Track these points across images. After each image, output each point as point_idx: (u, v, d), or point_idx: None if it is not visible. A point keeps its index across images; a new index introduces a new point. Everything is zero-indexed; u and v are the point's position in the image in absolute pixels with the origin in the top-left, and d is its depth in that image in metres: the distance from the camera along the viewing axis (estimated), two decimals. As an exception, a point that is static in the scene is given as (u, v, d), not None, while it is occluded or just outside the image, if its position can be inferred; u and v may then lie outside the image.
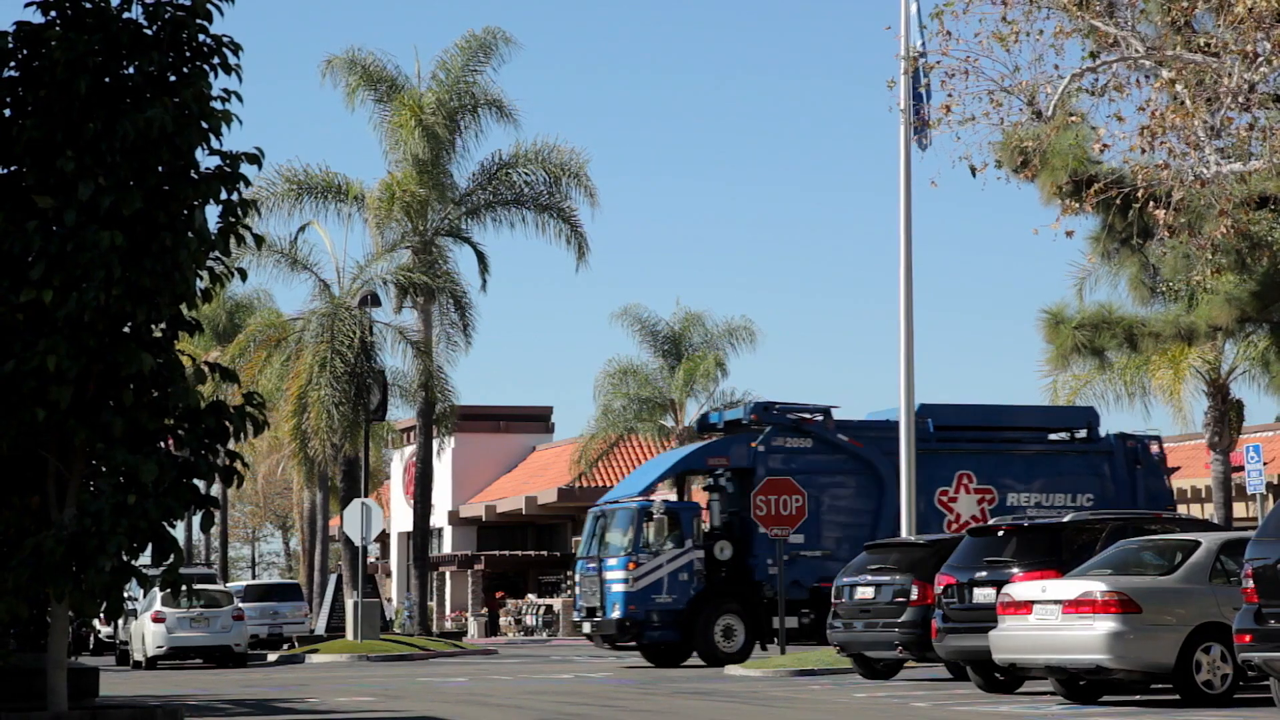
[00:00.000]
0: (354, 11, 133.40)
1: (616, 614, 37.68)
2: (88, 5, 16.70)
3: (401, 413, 63.79)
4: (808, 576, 38.30)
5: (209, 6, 16.79)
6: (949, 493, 39.34)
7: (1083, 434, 39.48)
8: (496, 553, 77.95)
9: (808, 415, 39.71)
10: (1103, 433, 39.40)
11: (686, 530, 38.34)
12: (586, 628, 38.83)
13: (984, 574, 25.63)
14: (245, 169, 16.93)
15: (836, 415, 39.72)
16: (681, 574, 38.00)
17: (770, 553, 36.88)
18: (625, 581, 37.58)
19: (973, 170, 22.19)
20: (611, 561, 38.12)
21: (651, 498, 39.67)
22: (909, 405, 36.93)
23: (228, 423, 16.89)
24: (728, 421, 41.03)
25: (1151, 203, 21.98)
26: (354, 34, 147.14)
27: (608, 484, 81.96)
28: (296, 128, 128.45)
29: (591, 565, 38.70)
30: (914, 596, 28.39)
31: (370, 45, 54.23)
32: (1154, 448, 39.20)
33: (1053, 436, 39.86)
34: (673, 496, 41.83)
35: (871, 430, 39.41)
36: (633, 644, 38.36)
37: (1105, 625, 21.90)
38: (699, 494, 45.03)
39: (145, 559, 16.99)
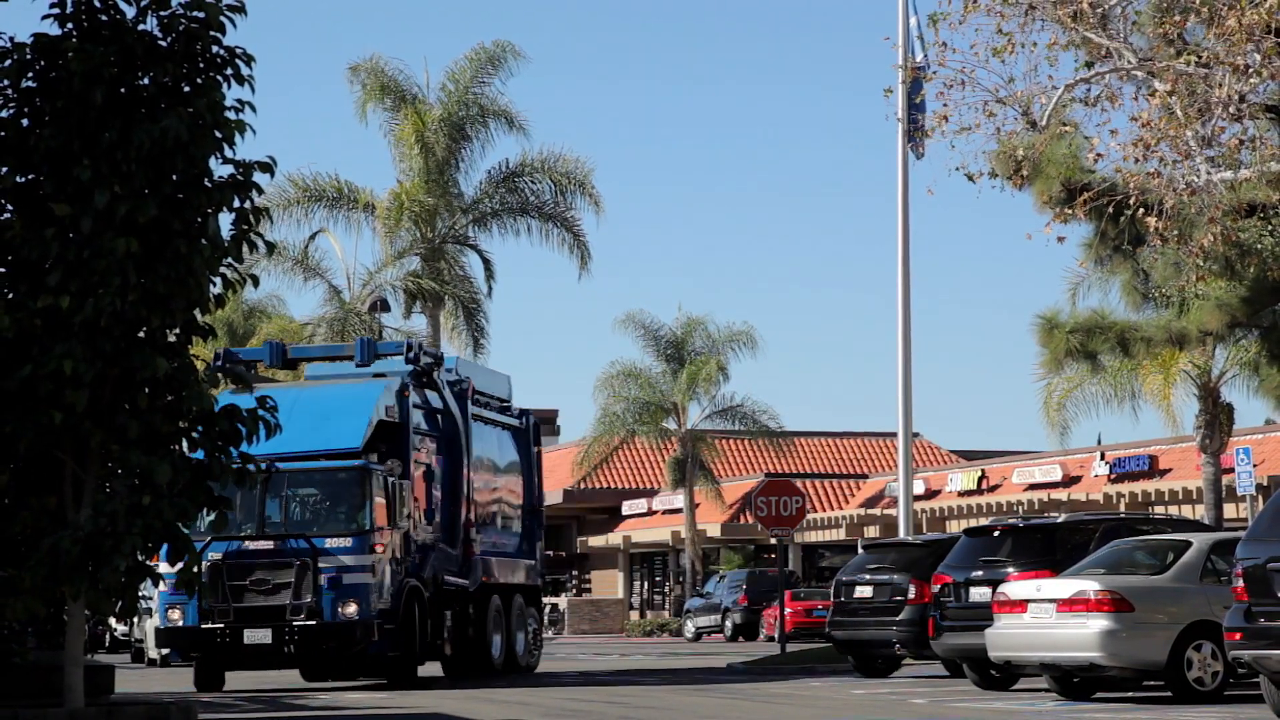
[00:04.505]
0: (365, 23, 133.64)
1: None
2: (104, 18, 16.87)
3: (411, 416, 63.83)
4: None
5: (222, 19, 16.97)
6: None
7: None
8: (501, 552, 78.16)
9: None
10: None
11: None
12: None
13: (980, 573, 25.92)
14: (258, 177, 17.16)
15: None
16: None
17: None
18: None
19: (970, 178, 22.57)
20: None
21: None
22: (908, 406, 37.29)
23: (241, 425, 17.17)
24: None
25: (1143, 210, 22.34)
26: (365, 45, 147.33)
27: (610, 485, 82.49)
28: (307, 135, 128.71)
29: None
30: (911, 595, 28.73)
31: (381, 55, 54.44)
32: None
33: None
34: None
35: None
36: None
37: (1099, 623, 22.18)
38: None
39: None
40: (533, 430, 35.41)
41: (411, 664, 29.56)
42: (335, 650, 28.43)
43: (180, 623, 28.48)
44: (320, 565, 27.93)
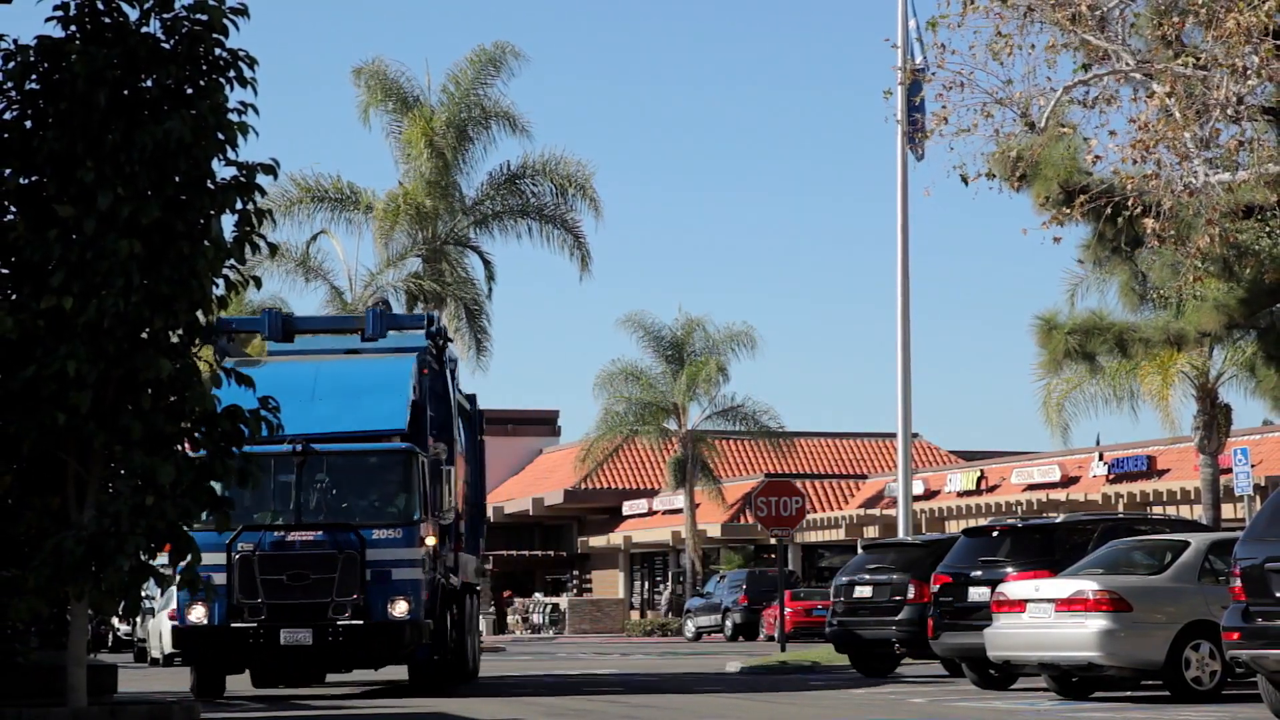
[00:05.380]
0: (367, 25, 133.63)
1: None
2: (107, 20, 16.97)
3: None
4: None
5: (225, 21, 17.07)
6: None
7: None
8: (504, 552, 78.22)
9: None
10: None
11: None
12: None
13: (979, 573, 25.98)
14: (260, 179, 17.26)
15: None
16: None
17: None
18: None
19: (964, 180, 22.66)
20: None
21: None
22: (907, 406, 37.37)
23: (243, 426, 17.26)
24: None
25: (1141, 211, 22.43)
26: (367, 47, 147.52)
27: (611, 485, 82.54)
28: (309, 137, 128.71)
29: None
30: (911, 595, 28.80)
31: (383, 58, 54.56)
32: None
33: None
34: None
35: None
36: None
37: (1097, 623, 22.25)
38: None
39: (163, 559, 17.33)
40: (479, 419, 33.24)
41: (438, 668, 27.39)
42: (383, 653, 25.97)
43: (204, 621, 25.56)
44: (367, 558, 25.22)
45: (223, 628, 25.44)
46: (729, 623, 63.09)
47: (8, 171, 16.97)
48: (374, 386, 26.70)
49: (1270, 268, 27.24)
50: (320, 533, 25.39)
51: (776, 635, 41.49)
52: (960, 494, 65.95)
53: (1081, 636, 22.29)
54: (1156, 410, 41.86)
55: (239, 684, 29.34)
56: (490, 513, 76.98)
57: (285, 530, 25.41)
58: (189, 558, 17.04)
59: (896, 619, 29.01)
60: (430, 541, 25.88)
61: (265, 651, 25.47)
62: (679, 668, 36.73)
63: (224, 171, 17.19)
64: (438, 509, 26.22)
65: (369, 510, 25.79)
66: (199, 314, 17.23)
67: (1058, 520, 27.11)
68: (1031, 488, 61.80)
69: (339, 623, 25.24)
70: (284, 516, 25.53)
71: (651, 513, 79.46)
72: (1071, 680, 23.41)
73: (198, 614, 25.58)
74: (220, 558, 24.63)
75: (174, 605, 43.14)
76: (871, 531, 67.19)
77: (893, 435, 51.65)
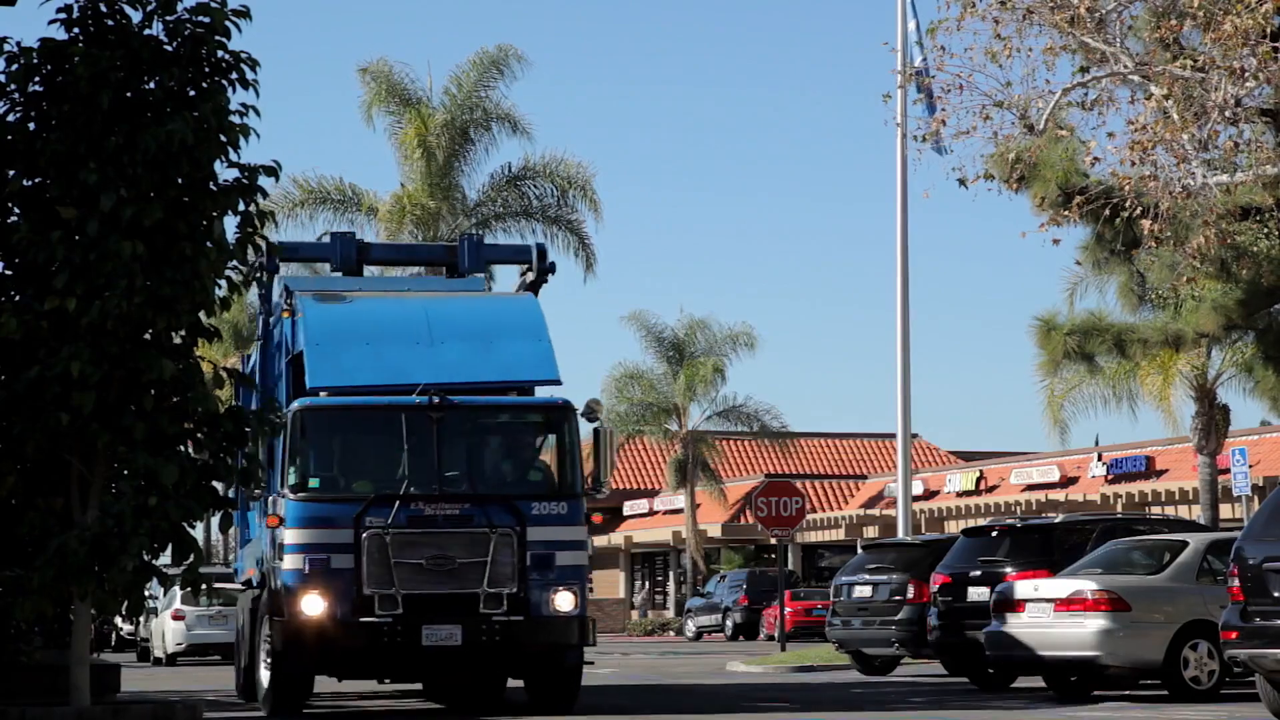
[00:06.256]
0: (368, 27, 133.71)
1: None
2: (110, 23, 17.06)
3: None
4: None
5: (227, 24, 17.16)
6: None
7: None
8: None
9: None
10: None
11: None
12: None
13: (978, 573, 26.04)
14: (262, 181, 17.36)
15: None
16: None
17: None
18: None
19: (962, 182, 22.78)
20: None
21: None
22: (906, 407, 37.41)
23: (245, 427, 17.33)
24: None
25: (1139, 213, 22.54)
26: (368, 49, 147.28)
27: (614, 485, 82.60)
28: (312, 138, 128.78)
29: None
30: (910, 595, 28.87)
31: (387, 59, 54.65)
32: None
33: None
34: None
35: None
36: None
37: (1096, 623, 22.30)
38: None
39: (166, 559, 17.41)
40: None
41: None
42: (544, 656, 21.01)
43: (324, 615, 20.10)
44: (528, 538, 20.49)
45: (349, 623, 20.14)
46: (729, 622, 63.16)
47: (11, 173, 17.06)
48: (505, 329, 22.08)
49: (1268, 269, 27.35)
50: (468, 505, 20.52)
51: (776, 635, 41.55)
52: (959, 494, 66.02)
53: (1080, 636, 22.35)
54: (1158, 410, 41.93)
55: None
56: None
57: (425, 503, 20.46)
58: (192, 558, 17.14)
59: (896, 619, 29.08)
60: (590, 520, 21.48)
61: (402, 654, 20.43)
62: (687, 669, 36.70)
63: (226, 173, 17.32)
64: (597, 479, 21.31)
65: (521, 480, 21.32)
66: (202, 315, 17.31)
67: (1057, 520, 27.17)
68: (1030, 488, 61.87)
69: (494, 618, 20.31)
70: (419, 485, 20.51)
71: (652, 513, 79.54)
72: (1070, 680, 23.47)
73: (313, 605, 20.09)
74: (345, 535, 20.11)
75: (176, 605, 43.64)
76: (871, 532, 67.25)
77: (893, 435, 51.69)
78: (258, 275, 22.66)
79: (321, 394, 20.87)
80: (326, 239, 25.23)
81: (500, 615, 20.26)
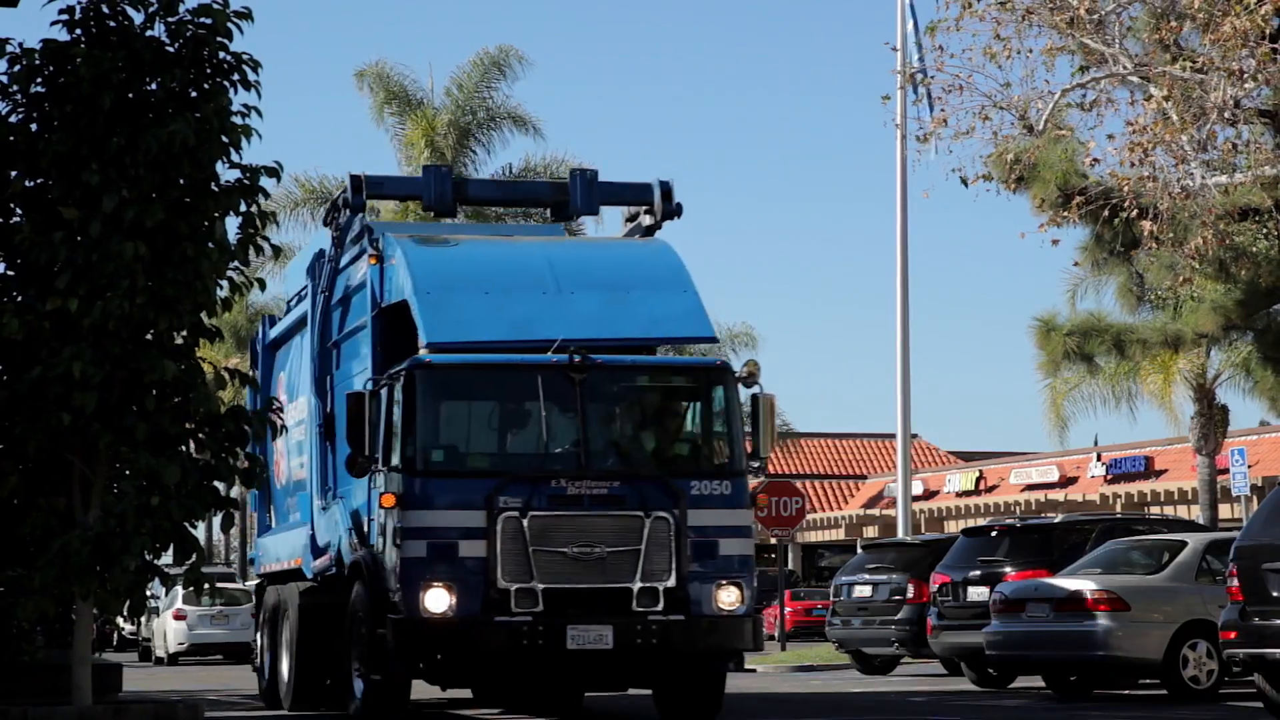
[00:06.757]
0: (370, 28, 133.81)
1: None
2: (112, 24, 17.03)
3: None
4: None
5: (229, 25, 17.13)
6: None
7: None
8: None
9: None
10: None
11: None
12: None
13: (978, 573, 26.11)
14: (264, 181, 17.35)
15: None
16: None
17: None
18: None
19: (964, 181, 22.83)
20: None
21: None
22: (906, 407, 37.49)
23: (247, 427, 17.31)
24: None
25: (1138, 214, 22.60)
26: (370, 49, 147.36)
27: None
28: (313, 139, 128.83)
29: None
30: (910, 595, 28.94)
31: (386, 60, 54.65)
32: None
33: None
34: None
35: None
36: None
37: (1095, 623, 22.36)
38: None
39: (167, 558, 17.41)
40: None
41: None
42: (707, 661, 18.03)
43: (452, 612, 17.21)
44: (689, 523, 17.49)
45: (482, 622, 17.24)
46: (729, 622, 63.14)
47: (14, 174, 17.06)
48: (643, 279, 19.01)
49: (1266, 269, 27.41)
50: (617, 483, 17.54)
51: (777, 635, 41.62)
52: (959, 494, 66.07)
53: (1080, 636, 22.40)
54: (1160, 410, 41.99)
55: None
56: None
57: (568, 480, 17.55)
58: (193, 558, 17.17)
59: (896, 619, 29.15)
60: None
61: (542, 658, 17.37)
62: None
63: (228, 174, 17.23)
64: (757, 454, 18.35)
65: (675, 454, 18.41)
66: (203, 315, 17.32)
67: (1056, 520, 27.25)
68: (1030, 488, 61.93)
69: (650, 618, 17.39)
70: (561, 460, 17.64)
71: (652, 513, 79.45)
72: (1070, 680, 23.52)
73: (438, 601, 17.28)
74: (476, 517, 17.32)
75: (178, 604, 43.67)
76: (871, 531, 67.30)
77: (892, 435, 51.75)
78: (333, 218, 20.33)
79: (428, 352, 17.85)
80: (422, 174, 21.54)
81: (657, 614, 17.36)
